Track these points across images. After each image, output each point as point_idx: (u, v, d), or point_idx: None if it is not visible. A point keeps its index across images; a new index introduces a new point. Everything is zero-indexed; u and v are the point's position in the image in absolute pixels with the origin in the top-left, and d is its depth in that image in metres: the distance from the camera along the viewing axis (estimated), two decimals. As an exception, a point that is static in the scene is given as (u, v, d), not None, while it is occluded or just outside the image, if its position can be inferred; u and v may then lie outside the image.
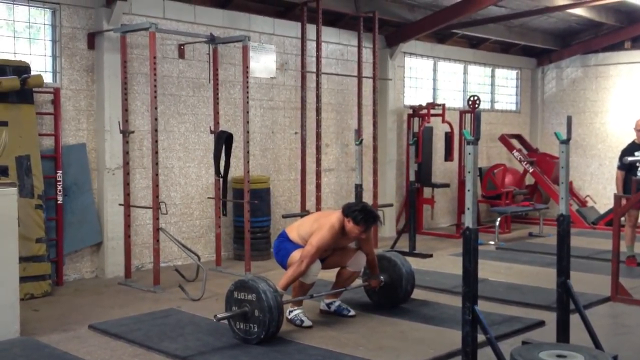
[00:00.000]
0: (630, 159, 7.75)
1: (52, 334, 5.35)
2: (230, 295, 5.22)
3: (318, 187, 9.09)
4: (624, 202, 6.93)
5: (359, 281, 6.19)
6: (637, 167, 8.01)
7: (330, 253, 5.80)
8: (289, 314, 5.61)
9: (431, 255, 8.82)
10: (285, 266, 5.62)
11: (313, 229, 5.54)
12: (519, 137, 13.08)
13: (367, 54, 10.04)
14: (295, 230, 5.73)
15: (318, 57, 9.07)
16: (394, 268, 6.15)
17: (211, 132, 7.96)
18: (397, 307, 6.16)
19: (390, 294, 6.17)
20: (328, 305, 5.97)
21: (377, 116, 9.94)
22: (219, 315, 5.11)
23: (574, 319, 4.72)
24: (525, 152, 12.63)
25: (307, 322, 5.55)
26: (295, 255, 5.49)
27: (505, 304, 6.30)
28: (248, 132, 7.60)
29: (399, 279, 6.11)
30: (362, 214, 5.46)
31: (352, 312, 5.91)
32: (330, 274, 6.11)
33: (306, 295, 5.65)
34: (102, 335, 5.31)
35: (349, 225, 5.47)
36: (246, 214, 7.68)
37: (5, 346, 4.94)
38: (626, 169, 8.09)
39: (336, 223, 5.50)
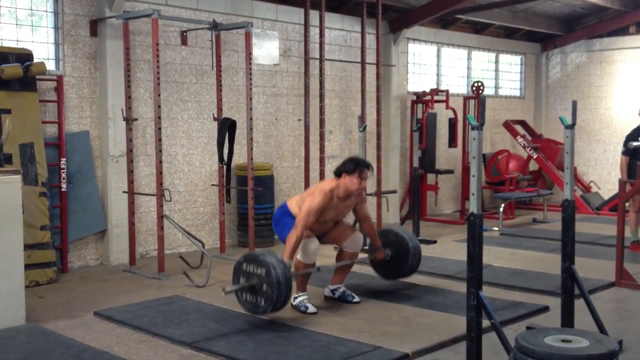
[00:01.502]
0: (635, 144, 7.71)
1: (58, 320, 5.38)
2: (238, 267, 5.22)
3: (321, 174, 9.07)
4: (628, 187, 6.91)
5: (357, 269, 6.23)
6: None
7: (330, 227, 5.81)
8: (294, 300, 5.62)
9: (435, 242, 8.82)
10: (283, 239, 5.64)
11: (306, 197, 5.64)
12: (523, 123, 13.05)
13: (370, 40, 10.00)
14: (295, 202, 5.78)
15: (321, 44, 9.03)
16: (400, 243, 6.15)
17: (214, 119, 7.96)
18: (401, 292, 6.17)
19: (396, 268, 6.19)
20: (332, 291, 5.98)
21: (380, 103, 9.90)
22: (227, 289, 5.14)
23: (579, 304, 4.72)
24: (529, 138, 12.61)
25: (312, 309, 5.57)
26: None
27: (509, 289, 6.31)
28: (251, 119, 7.59)
29: (406, 254, 6.12)
30: (351, 162, 5.58)
31: (357, 299, 5.92)
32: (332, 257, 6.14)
33: (309, 278, 5.69)
34: (107, 322, 5.33)
35: (346, 180, 5.53)
36: (250, 201, 7.68)
37: (11, 333, 4.96)
38: (631, 154, 8.06)
39: (327, 186, 5.60)
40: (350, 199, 5.72)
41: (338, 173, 5.60)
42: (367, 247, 6.50)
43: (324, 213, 5.59)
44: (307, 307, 5.57)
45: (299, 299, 5.63)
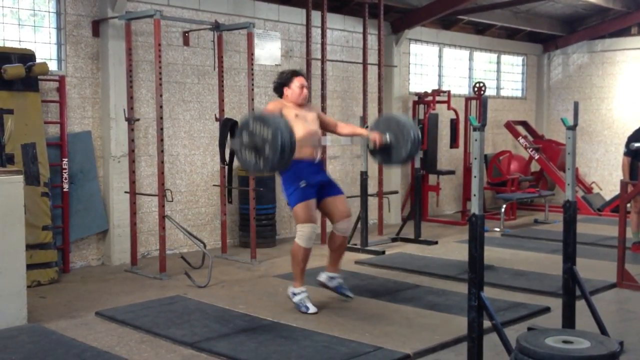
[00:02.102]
0: (637, 144, 7.71)
1: (59, 320, 5.38)
2: (245, 123, 4.95)
3: (323, 174, 9.07)
4: (630, 188, 6.91)
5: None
6: None
7: (318, 137, 5.78)
8: (293, 297, 5.62)
9: (436, 242, 8.82)
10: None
11: None
12: (524, 124, 13.04)
13: (372, 41, 10.01)
14: None
15: (323, 44, 9.04)
16: (402, 130, 5.78)
17: (216, 119, 7.96)
18: (403, 293, 6.17)
19: (395, 155, 5.86)
20: (330, 278, 5.92)
21: (382, 103, 9.91)
22: (231, 142, 5.10)
23: (580, 305, 4.72)
24: (531, 138, 12.60)
25: (312, 309, 5.56)
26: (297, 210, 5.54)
27: (510, 290, 6.30)
28: (253, 119, 7.59)
29: (405, 141, 5.75)
30: (282, 74, 5.77)
31: (351, 295, 5.90)
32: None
33: (305, 270, 5.61)
34: (109, 322, 5.33)
35: (288, 92, 5.67)
36: (251, 202, 7.69)
37: (12, 333, 4.97)
38: (633, 155, 8.06)
39: (270, 105, 5.68)
40: (310, 110, 5.80)
41: (278, 90, 5.73)
42: (369, 148, 6.11)
43: (296, 128, 5.33)
44: (307, 308, 5.56)
45: (298, 297, 5.61)
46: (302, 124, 5.59)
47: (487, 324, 3.96)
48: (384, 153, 5.92)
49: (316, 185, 5.63)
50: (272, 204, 8.68)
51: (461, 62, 12.44)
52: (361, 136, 6.10)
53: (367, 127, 7.96)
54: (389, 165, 6.12)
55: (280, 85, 5.74)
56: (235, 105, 8.66)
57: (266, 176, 8.50)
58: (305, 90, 5.72)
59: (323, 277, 5.96)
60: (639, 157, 7.96)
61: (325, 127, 6.02)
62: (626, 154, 8.21)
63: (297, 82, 5.68)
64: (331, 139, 5.85)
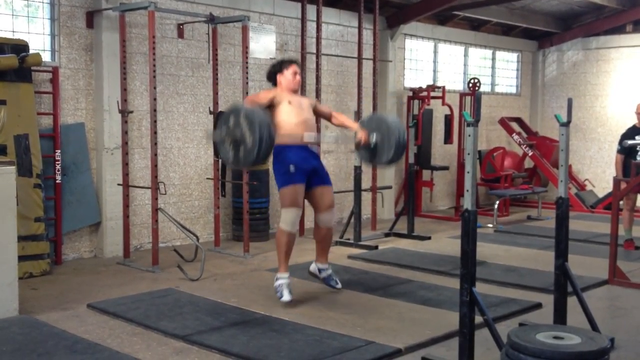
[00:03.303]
0: (630, 142, 7.73)
1: (51, 312, 5.37)
2: (226, 117, 4.97)
3: (317, 168, 9.06)
4: (623, 185, 6.93)
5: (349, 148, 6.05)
6: (637, 150, 8.01)
7: (311, 124, 5.80)
8: (275, 280, 5.65)
9: (429, 238, 8.83)
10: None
11: None
12: (518, 120, 13.06)
13: (367, 36, 9.99)
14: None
15: (318, 38, 9.02)
16: (389, 135, 5.73)
17: (210, 112, 7.94)
18: (395, 288, 6.18)
19: (377, 157, 5.85)
20: (319, 270, 5.98)
21: (377, 98, 9.90)
22: (211, 134, 5.14)
23: (572, 302, 4.73)
24: (524, 135, 12.61)
25: (287, 297, 5.52)
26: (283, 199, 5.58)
27: (502, 286, 6.32)
28: (247, 112, 7.57)
29: (389, 147, 5.72)
30: (277, 62, 5.84)
31: (339, 285, 5.99)
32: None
33: (289, 255, 5.63)
34: (100, 314, 5.32)
35: (282, 80, 5.73)
36: (245, 195, 7.68)
37: (4, 324, 4.95)
38: (626, 152, 8.09)
39: (262, 92, 5.83)
40: (303, 98, 5.86)
41: (272, 78, 5.78)
42: (354, 143, 6.08)
43: (289, 114, 5.53)
44: (282, 295, 5.54)
45: (279, 281, 5.61)
46: (296, 110, 5.63)
47: (478, 319, 3.96)
48: (367, 152, 5.90)
49: (308, 170, 5.64)
50: (266, 197, 8.67)
51: (456, 58, 12.44)
52: (350, 129, 6.07)
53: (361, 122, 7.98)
54: (369, 165, 6.15)
55: (274, 73, 5.79)
56: (230, 99, 8.63)
57: (260, 170, 8.50)
58: (298, 77, 5.77)
59: (313, 267, 6.04)
60: (632, 154, 7.99)
61: (320, 115, 6.13)
62: (619, 151, 8.23)
63: (290, 69, 5.73)
64: (315, 136, 5.83)
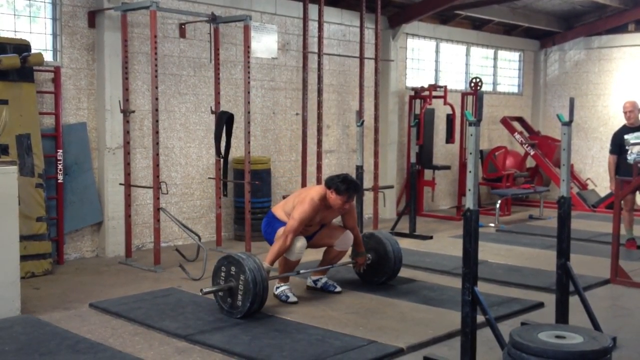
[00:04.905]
0: (631, 140, 7.70)
1: (53, 312, 5.38)
2: (217, 270, 5.30)
3: (319, 168, 9.07)
4: (612, 184, 6.92)
5: (346, 258, 6.23)
6: (627, 149, 8.00)
7: (317, 230, 5.84)
8: (276, 290, 5.69)
9: (431, 237, 8.83)
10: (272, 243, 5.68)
11: (295, 203, 5.61)
12: (520, 120, 13.05)
13: (369, 35, 9.98)
14: (280, 208, 5.83)
15: (320, 38, 9.02)
16: (381, 247, 6.19)
17: (212, 112, 7.95)
18: (397, 287, 6.18)
19: (377, 272, 6.23)
20: (315, 282, 6.06)
21: (378, 98, 9.90)
22: (205, 290, 5.23)
23: (573, 301, 4.73)
24: (526, 134, 12.61)
25: (293, 298, 5.63)
26: (280, 231, 5.59)
27: (504, 285, 6.32)
28: (249, 112, 7.58)
29: (386, 259, 6.16)
30: (344, 184, 5.51)
31: (339, 289, 6.01)
32: (317, 255, 6.15)
33: (292, 272, 5.73)
34: (102, 314, 5.33)
35: (332, 196, 5.54)
36: (247, 195, 7.68)
37: (6, 324, 4.96)
38: (618, 152, 8.10)
39: (316, 196, 5.57)
40: (334, 213, 5.80)
41: (329, 185, 5.58)
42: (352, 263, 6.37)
43: (310, 218, 5.64)
44: (287, 297, 5.63)
45: (281, 288, 5.69)
46: (319, 216, 5.68)
47: (480, 318, 3.96)
48: (369, 272, 6.28)
49: None
50: (268, 197, 8.68)
51: (458, 58, 12.43)
52: (356, 248, 6.16)
53: (362, 121, 8.00)
54: (369, 283, 6.38)
55: (333, 187, 5.54)
56: (231, 98, 8.64)
57: (262, 169, 8.51)
58: (347, 206, 5.64)
59: (309, 281, 6.12)
60: (625, 154, 7.97)
61: (343, 222, 6.01)
62: (612, 152, 8.26)
63: (342, 199, 5.53)
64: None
